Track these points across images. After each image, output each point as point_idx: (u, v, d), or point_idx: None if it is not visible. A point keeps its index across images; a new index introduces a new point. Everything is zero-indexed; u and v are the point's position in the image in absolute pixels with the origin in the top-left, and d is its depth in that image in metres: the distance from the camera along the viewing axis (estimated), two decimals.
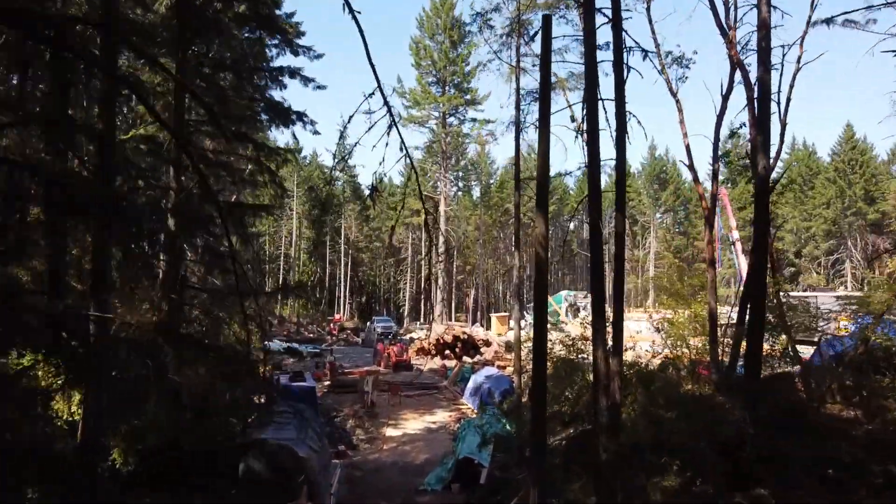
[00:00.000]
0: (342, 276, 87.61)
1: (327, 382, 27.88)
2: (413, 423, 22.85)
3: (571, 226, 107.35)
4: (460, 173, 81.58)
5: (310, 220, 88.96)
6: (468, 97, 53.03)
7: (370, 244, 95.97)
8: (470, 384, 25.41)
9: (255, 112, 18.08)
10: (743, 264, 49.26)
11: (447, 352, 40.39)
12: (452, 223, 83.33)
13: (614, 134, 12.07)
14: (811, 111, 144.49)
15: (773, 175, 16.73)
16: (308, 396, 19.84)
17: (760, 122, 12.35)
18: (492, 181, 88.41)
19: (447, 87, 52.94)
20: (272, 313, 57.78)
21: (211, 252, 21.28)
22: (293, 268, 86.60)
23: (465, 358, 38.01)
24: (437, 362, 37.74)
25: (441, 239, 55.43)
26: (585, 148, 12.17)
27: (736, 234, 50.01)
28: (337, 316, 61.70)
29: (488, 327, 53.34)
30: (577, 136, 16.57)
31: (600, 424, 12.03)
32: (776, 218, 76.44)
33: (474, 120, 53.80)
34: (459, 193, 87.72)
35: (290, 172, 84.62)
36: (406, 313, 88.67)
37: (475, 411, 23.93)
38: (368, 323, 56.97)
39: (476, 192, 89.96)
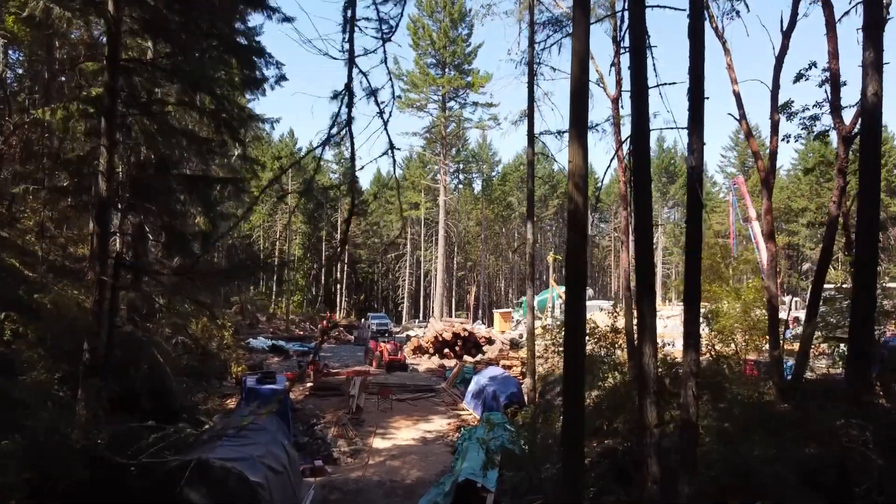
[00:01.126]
0: (338, 273, 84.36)
1: (310, 384, 24.63)
2: (405, 432, 19.63)
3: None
4: (461, 165, 78.32)
5: (305, 214, 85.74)
6: (469, 80, 49.73)
7: (367, 240, 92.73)
8: (471, 386, 22.18)
9: (213, 49, 14.71)
10: (764, 254, 46.00)
11: (446, 350, 37.16)
12: (453, 217, 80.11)
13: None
14: None
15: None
16: (278, 399, 16.60)
17: (872, 27, 8.98)
18: (494, 174, 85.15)
19: (447, 69, 49.69)
20: (261, 309, 54.58)
21: (170, 231, 18.16)
22: (288, 263, 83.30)
23: (465, 357, 34.79)
24: (434, 362, 34.52)
25: (441, 231, 52.15)
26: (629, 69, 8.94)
27: (756, 226, 46.75)
28: (330, 313, 58.57)
29: (491, 325, 50.12)
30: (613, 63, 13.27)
31: (647, 445, 8.80)
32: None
33: (476, 104, 50.61)
34: (460, 186, 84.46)
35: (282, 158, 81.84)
36: (405, 311, 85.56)
37: (477, 418, 20.73)
38: (363, 320, 53.74)
39: (477, 187, 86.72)
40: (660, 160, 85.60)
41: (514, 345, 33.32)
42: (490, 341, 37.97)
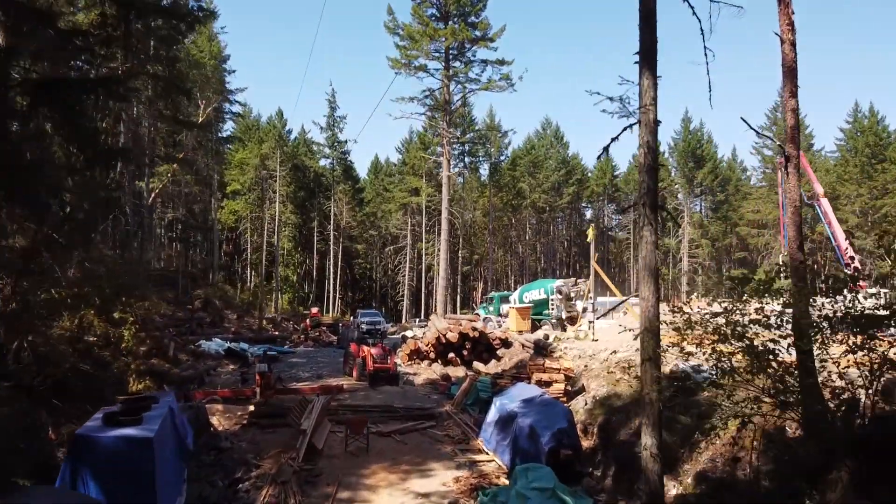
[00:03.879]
0: (331, 268, 76.58)
1: (251, 408, 16.76)
2: (387, 499, 11.75)
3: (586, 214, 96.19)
4: (467, 147, 70.39)
5: (294, 203, 78.00)
6: (477, 33, 41.86)
7: (364, 232, 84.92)
8: (492, 413, 14.28)
9: None
10: (839, 233, 37.91)
11: (451, 355, 29.27)
12: (457, 206, 72.20)
13: None
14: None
15: None
16: (134, 458, 8.74)
17: None
18: (502, 158, 77.19)
19: (451, 21, 41.81)
20: (234, 304, 46.79)
21: None
22: (276, 258, 75.59)
23: (477, 365, 26.99)
24: (436, 370, 26.68)
25: (444, 213, 44.24)
26: None
27: (826, 203, 38.78)
28: (314, 310, 50.74)
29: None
30: None
31: None
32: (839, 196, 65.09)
33: (485, 62, 42.60)
34: (466, 172, 76.54)
35: (272, 149, 74.08)
36: (404, 309, 77.71)
37: (504, 468, 12.89)
38: (352, 318, 46.06)
39: (485, 173, 78.69)
40: (685, 143, 77.66)
41: (540, 349, 25.43)
42: (506, 343, 30.06)
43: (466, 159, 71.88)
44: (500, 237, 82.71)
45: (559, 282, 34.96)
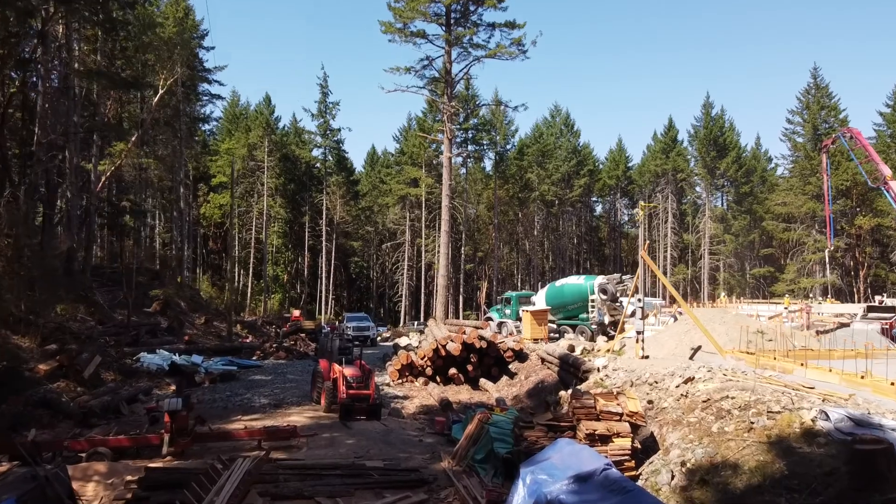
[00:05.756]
0: (324, 266, 70.73)
1: (150, 467, 10.92)
2: None
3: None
4: (471, 133, 64.49)
5: (284, 196, 72.20)
6: None
7: (360, 228, 79.06)
8: (520, 499, 8.38)
9: None
10: None
11: (452, 371, 23.55)
12: (460, 198, 66.40)
13: None
14: None
15: None
16: None
17: None
18: (509, 147, 71.28)
19: None
20: (201, 306, 40.97)
21: None
22: (265, 256, 69.89)
23: (484, 384, 21.39)
24: (432, 392, 20.92)
25: (445, 201, 38.43)
26: None
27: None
28: (295, 312, 44.89)
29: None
30: None
31: None
32: None
33: (492, 25, 36.74)
34: (469, 162, 70.66)
35: (259, 137, 68.32)
36: (403, 311, 71.88)
37: None
38: (338, 322, 40.31)
39: (489, 164, 72.88)
40: (706, 130, 71.70)
41: (568, 366, 19.62)
42: (520, 356, 24.33)
43: (470, 147, 65.76)
44: (505, 233, 76.88)
45: (601, 278, 28.53)
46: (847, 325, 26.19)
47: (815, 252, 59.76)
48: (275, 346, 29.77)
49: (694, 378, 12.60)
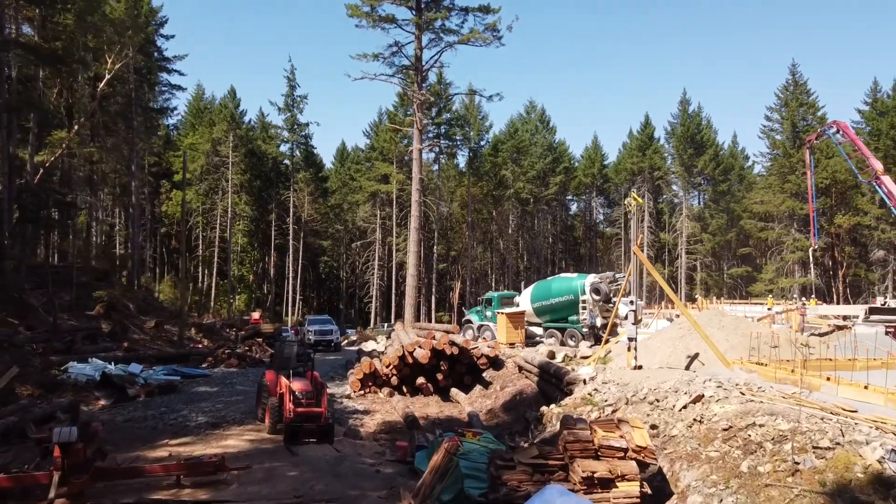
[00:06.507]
0: (291, 266, 67.89)
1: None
2: None
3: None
4: (443, 129, 62.23)
5: (250, 193, 69.21)
6: None
7: (329, 226, 76.35)
8: None
9: None
10: None
11: (420, 380, 21.34)
12: (433, 195, 64.11)
13: None
14: None
15: None
16: None
17: None
18: (483, 143, 69.15)
19: None
20: (154, 308, 38.10)
21: None
22: (229, 255, 66.89)
23: (456, 394, 19.30)
24: (397, 406, 18.61)
25: (415, 195, 36.13)
26: None
27: (890, 182, 31.23)
28: (255, 315, 42.23)
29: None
30: None
31: None
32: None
33: (465, 10, 34.51)
34: (442, 159, 68.47)
35: (224, 132, 65.30)
36: (374, 312, 69.34)
37: None
38: (300, 326, 37.76)
39: (463, 160, 70.67)
40: (684, 127, 70.31)
41: (549, 376, 17.52)
42: (496, 363, 22.18)
43: (443, 143, 63.54)
44: (479, 232, 74.75)
45: (594, 277, 26.19)
46: (844, 327, 24.43)
47: (795, 251, 58.56)
48: (227, 352, 27.19)
49: (703, 397, 10.50)
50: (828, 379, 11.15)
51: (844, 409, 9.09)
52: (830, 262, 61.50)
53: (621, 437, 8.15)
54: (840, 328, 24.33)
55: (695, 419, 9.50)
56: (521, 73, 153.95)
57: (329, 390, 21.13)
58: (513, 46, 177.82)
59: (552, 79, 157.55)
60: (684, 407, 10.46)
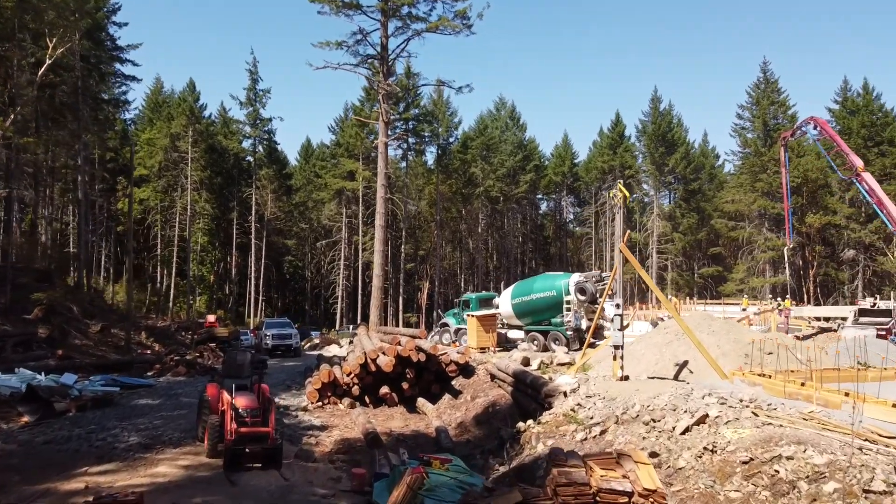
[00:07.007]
0: (253, 265, 65.56)
1: None
2: None
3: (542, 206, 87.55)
4: (412, 124, 60.46)
5: (210, 190, 66.69)
6: None
7: (294, 225, 74.13)
8: None
9: None
10: (894, 211, 28.85)
11: (384, 390, 19.60)
12: (401, 193, 62.38)
13: None
14: None
15: None
16: None
17: None
18: (452, 140, 67.53)
19: None
20: (99, 311, 35.70)
21: None
22: (188, 254, 64.32)
23: (422, 405, 17.62)
24: (357, 419, 16.86)
25: (381, 192, 34.36)
26: None
27: (870, 179, 30.41)
28: (210, 318, 40.07)
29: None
30: None
31: None
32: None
33: None
34: (410, 156, 66.70)
35: (183, 126, 62.73)
36: (340, 313, 67.34)
37: None
38: (259, 329, 35.74)
39: (431, 158, 68.95)
40: (655, 125, 69.61)
41: (525, 385, 15.98)
42: (466, 370, 20.59)
43: (411, 139, 61.83)
44: (448, 231, 73.21)
45: (578, 276, 24.64)
46: (829, 329, 23.35)
47: (766, 251, 58.12)
48: (175, 359, 25.10)
49: (708, 417, 9.02)
50: (846, 394, 9.73)
51: (882, 436, 7.65)
52: (801, 262, 61.23)
53: (624, 476, 6.57)
54: (825, 330, 23.26)
55: (705, 447, 7.98)
56: (490, 70, 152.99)
57: (284, 401, 19.45)
58: (481, 42, 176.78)
59: (521, 75, 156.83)
60: (687, 429, 8.96)
